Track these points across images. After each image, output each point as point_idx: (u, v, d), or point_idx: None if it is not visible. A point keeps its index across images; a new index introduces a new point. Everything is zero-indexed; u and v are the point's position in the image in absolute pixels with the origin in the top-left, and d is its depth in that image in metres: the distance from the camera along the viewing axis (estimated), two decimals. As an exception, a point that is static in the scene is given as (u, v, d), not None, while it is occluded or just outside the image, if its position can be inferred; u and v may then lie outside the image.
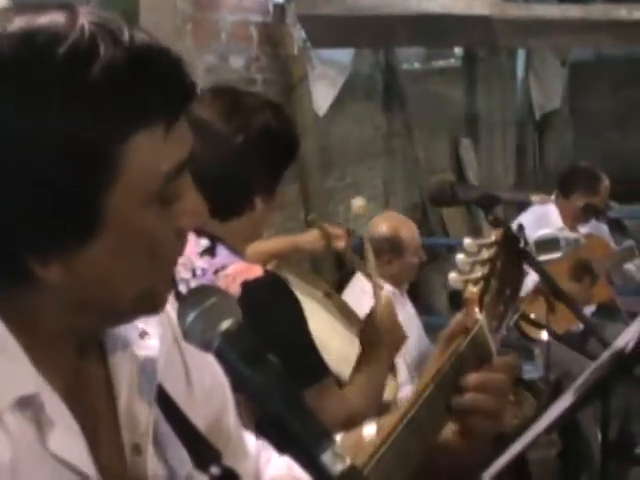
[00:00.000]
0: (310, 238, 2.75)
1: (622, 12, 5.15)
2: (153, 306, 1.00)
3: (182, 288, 1.83)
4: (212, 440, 1.08)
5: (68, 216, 0.89)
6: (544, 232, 4.37)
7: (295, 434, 0.88)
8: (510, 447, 1.90)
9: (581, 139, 10.33)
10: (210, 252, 1.89)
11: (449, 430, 1.22)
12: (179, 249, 1.00)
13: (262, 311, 1.80)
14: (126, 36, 0.90)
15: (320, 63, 5.75)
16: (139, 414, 1.02)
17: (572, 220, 4.81)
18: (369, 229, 4.21)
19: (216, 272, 1.86)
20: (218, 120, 1.87)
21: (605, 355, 1.76)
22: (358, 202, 3.97)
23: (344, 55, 6.05)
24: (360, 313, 2.52)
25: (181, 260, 1.86)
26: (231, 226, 1.92)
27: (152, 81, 0.90)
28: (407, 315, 4.08)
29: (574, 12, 5.44)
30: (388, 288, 3.96)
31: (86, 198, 0.89)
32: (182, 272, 1.86)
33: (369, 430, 1.27)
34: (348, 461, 0.87)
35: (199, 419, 1.11)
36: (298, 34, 5.50)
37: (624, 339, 1.71)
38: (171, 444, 1.06)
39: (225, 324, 0.93)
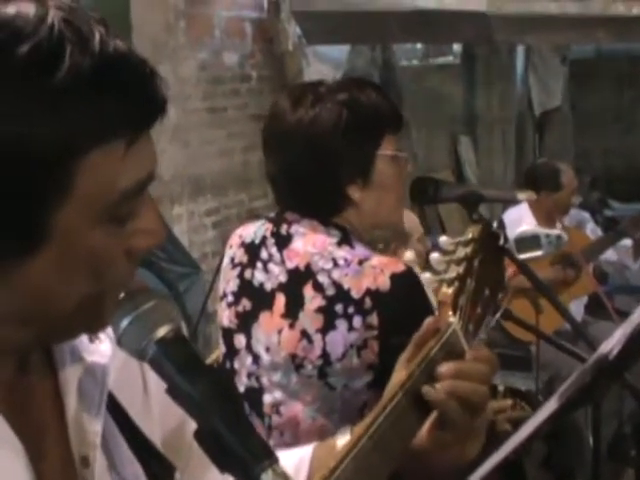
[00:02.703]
0: None
1: (620, 8, 5.10)
2: (93, 326, 0.94)
3: (322, 278, 1.83)
4: (173, 449, 1.03)
5: (10, 227, 0.83)
6: (524, 229, 4.29)
7: (234, 451, 0.82)
8: (492, 454, 1.84)
9: (581, 137, 10.26)
10: (347, 242, 1.87)
11: (422, 432, 1.13)
12: (129, 271, 0.92)
13: (411, 303, 1.82)
14: (97, 42, 0.83)
15: (315, 60, 5.71)
16: (87, 424, 0.96)
17: (546, 218, 4.73)
18: None
19: (360, 263, 1.83)
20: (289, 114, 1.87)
21: (590, 360, 1.69)
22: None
23: (339, 52, 6.02)
24: None
25: (316, 250, 1.87)
26: (348, 217, 1.89)
27: (118, 94, 0.83)
28: None
29: (572, 8, 5.38)
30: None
31: (32, 211, 0.82)
32: (320, 262, 1.85)
33: (342, 440, 1.20)
34: (290, 480, 0.82)
35: (156, 430, 1.06)
36: (293, 30, 5.46)
37: (609, 344, 1.64)
38: (123, 456, 1.01)
39: (161, 331, 0.87)
